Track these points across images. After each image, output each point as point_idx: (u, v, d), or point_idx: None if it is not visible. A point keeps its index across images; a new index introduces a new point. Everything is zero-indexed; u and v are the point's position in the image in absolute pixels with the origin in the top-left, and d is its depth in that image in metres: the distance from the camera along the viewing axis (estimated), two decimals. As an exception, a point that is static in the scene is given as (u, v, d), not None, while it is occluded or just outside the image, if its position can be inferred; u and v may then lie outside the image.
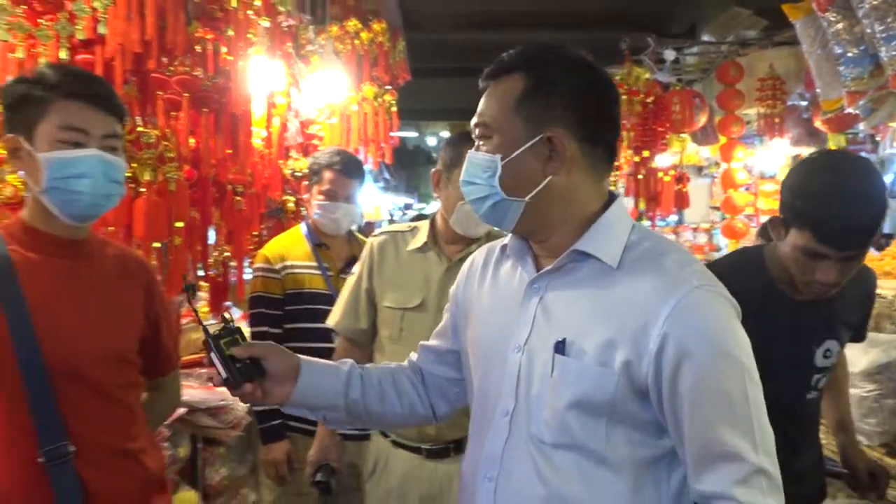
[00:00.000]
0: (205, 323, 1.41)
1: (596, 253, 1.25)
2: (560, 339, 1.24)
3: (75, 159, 1.51)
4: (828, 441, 2.27)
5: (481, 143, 1.32)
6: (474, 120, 1.34)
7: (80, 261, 1.61)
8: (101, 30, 2.17)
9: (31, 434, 1.47)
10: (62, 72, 1.58)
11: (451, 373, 1.55)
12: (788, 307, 1.87)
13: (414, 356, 1.61)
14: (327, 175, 2.90)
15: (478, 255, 1.54)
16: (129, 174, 2.29)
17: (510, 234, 1.40)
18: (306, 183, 2.99)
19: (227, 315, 1.42)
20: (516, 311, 1.33)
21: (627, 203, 6.86)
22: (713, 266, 1.98)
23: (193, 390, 2.86)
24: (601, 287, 1.25)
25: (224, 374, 1.34)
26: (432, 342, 1.59)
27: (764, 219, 7.80)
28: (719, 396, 1.16)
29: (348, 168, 2.93)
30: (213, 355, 1.35)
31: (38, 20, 2.01)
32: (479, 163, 1.30)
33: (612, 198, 1.33)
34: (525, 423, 1.28)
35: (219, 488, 3.02)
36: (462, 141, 2.24)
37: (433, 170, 2.31)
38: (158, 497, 1.68)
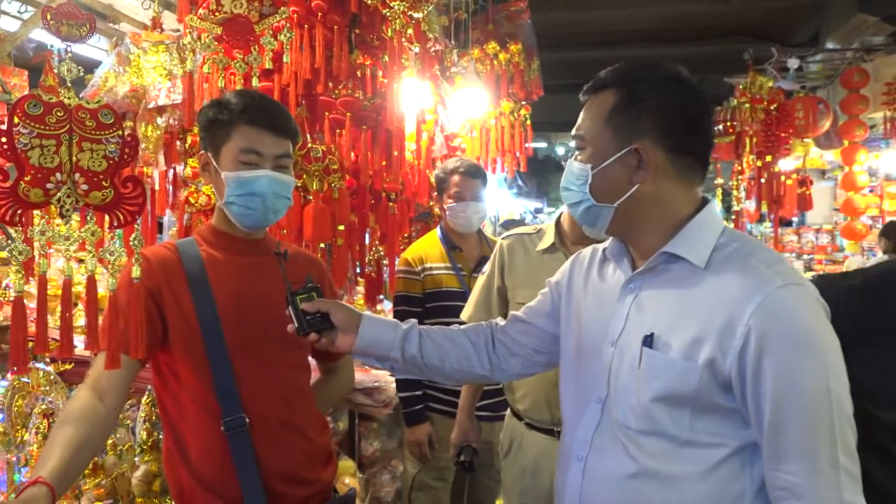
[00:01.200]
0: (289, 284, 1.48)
1: (684, 254, 1.23)
2: (648, 334, 1.23)
3: (251, 179, 1.56)
4: None
5: (577, 153, 1.32)
6: (573, 132, 1.34)
7: (258, 258, 1.65)
8: (286, 59, 2.27)
9: (215, 408, 1.52)
10: (245, 98, 1.62)
11: (536, 344, 1.55)
12: None
13: (502, 322, 1.61)
14: (454, 179, 2.93)
15: (585, 253, 1.52)
16: (300, 184, 2.38)
17: (610, 238, 1.40)
18: (436, 193, 3.03)
19: (309, 276, 1.49)
20: (613, 307, 1.33)
21: (749, 205, 6.54)
22: (856, 278, 1.74)
23: (352, 372, 2.95)
24: (689, 286, 1.22)
25: (296, 324, 1.43)
26: (524, 315, 1.59)
27: (890, 220, 7.23)
28: (801, 392, 1.10)
29: (471, 171, 2.96)
30: (289, 308, 1.43)
31: (235, 53, 2.12)
32: (574, 171, 1.31)
33: (704, 202, 1.30)
34: (614, 410, 1.27)
35: (372, 459, 3.10)
36: None
37: None
38: (324, 468, 1.70)
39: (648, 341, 1.23)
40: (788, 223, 9.70)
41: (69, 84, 1.16)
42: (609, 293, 1.37)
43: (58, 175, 1.13)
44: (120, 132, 1.19)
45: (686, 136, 1.26)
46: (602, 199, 1.28)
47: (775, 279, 1.15)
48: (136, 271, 1.25)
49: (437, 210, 3.67)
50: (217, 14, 2.11)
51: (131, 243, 1.24)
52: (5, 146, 1.10)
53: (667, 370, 1.20)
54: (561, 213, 2.33)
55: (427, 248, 2.97)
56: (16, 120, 1.10)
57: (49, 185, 1.12)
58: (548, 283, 1.59)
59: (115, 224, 1.21)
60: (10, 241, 1.12)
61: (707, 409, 1.18)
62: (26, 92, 3.45)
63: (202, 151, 1.64)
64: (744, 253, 1.22)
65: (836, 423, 1.09)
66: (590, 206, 1.30)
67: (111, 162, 1.17)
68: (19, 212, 1.11)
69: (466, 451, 2.54)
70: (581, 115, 1.33)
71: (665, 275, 1.27)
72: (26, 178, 1.10)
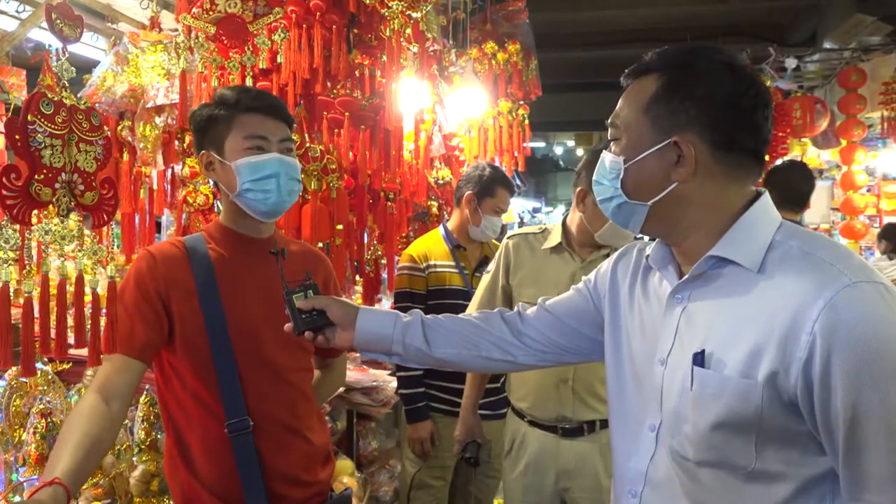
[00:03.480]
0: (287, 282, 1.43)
1: (733, 257, 1.08)
2: (699, 351, 1.08)
3: (263, 163, 1.57)
4: None
5: (612, 143, 1.19)
6: (609, 119, 1.21)
7: (265, 257, 1.60)
8: (280, 59, 2.26)
9: (219, 410, 1.51)
10: (239, 91, 1.64)
11: (566, 341, 1.43)
12: None
13: (528, 311, 1.48)
14: (500, 191, 2.92)
15: (630, 254, 1.36)
16: (299, 182, 2.38)
17: (656, 241, 1.25)
18: (469, 192, 2.94)
19: (308, 273, 1.44)
20: (661, 322, 1.18)
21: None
22: None
23: (350, 372, 2.94)
24: (742, 294, 1.06)
25: (292, 323, 1.39)
26: (551, 309, 1.46)
27: (887, 220, 7.24)
28: (879, 410, 0.93)
29: (512, 189, 2.98)
30: (286, 307, 1.39)
31: (229, 53, 2.11)
32: (606, 163, 1.19)
33: (756, 196, 1.14)
34: (668, 439, 1.14)
35: (370, 458, 3.10)
36: (595, 159, 2.21)
37: (578, 189, 2.23)
38: (323, 468, 1.70)
39: (699, 360, 1.07)
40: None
41: (66, 83, 1.16)
42: (656, 306, 1.22)
43: (63, 175, 1.13)
44: (103, 134, 1.20)
45: (736, 131, 1.10)
46: (635, 196, 1.15)
47: (842, 277, 0.98)
48: (110, 270, 1.25)
49: (434, 210, 3.67)
50: (211, 13, 2.11)
51: (104, 243, 1.24)
52: (19, 144, 1.09)
53: (722, 391, 1.04)
54: (567, 215, 2.33)
55: (431, 246, 2.97)
56: (30, 118, 1.09)
57: (57, 185, 1.12)
58: (584, 280, 1.46)
59: (96, 224, 1.21)
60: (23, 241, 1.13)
61: (775, 434, 1.02)
62: (25, 91, 3.45)
63: (202, 152, 1.63)
64: (803, 250, 1.05)
65: None
66: (621, 203, 1.17)
67: (98, 163, 1.18)
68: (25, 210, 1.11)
69: (471, 447, 2.56)
70: (619, 101, 1.19)
71: (716, 282, 1.11)
72: (39, 177, 1.09)
